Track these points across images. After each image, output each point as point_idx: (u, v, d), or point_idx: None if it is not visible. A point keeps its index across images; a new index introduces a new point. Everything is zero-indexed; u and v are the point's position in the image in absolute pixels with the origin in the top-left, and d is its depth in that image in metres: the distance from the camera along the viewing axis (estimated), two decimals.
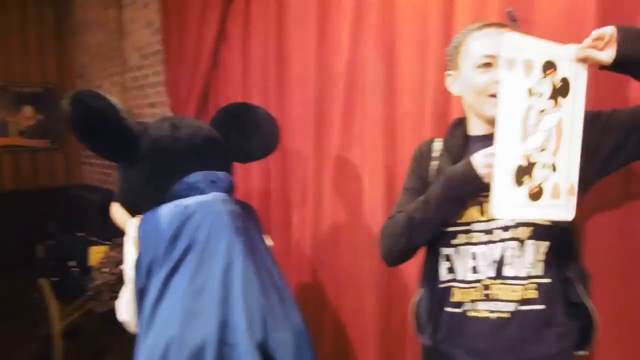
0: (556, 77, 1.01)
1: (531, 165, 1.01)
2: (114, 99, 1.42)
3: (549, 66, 1.00)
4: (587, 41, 1.01)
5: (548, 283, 1.15)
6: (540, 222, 1.13)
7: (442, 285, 1.22)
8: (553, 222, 1.12)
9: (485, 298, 1.15)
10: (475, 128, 1.23)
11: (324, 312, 2.14)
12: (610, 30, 1.00)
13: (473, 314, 1.17)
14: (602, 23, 1.11)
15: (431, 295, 1.25)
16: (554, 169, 1.03)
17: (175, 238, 1.28)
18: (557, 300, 1.16)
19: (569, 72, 1.02)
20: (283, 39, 2.17)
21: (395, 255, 1.26)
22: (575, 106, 1.03)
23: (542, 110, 1.00)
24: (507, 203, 1.00)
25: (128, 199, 1.52)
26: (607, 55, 1.01)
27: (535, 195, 1.02)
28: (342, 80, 1.93)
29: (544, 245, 1.15)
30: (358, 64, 1.89)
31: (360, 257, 1.94)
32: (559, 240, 1.16)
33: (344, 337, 2.08)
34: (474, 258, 1.17)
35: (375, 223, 1.85)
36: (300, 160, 2.16)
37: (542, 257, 1.15)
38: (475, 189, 1.11)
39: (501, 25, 1.17)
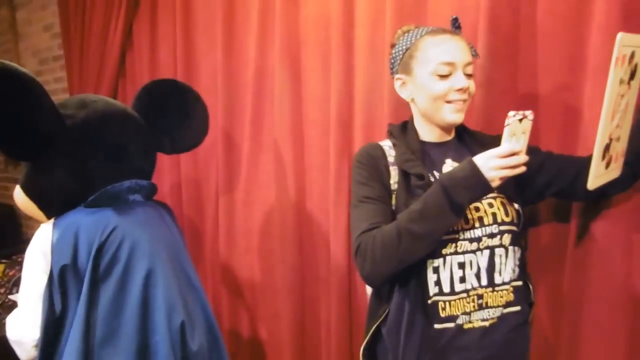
0: (633, 64, 1.03)
1: (611, 141, 1.05)
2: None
3: (632, 55, 1.02)
4: None
5: (520, 285, 1.17)
6: (512, 228, 1.15)
7: (430, 301, 1.12)
8: (519, 226, 1.17)
9: (478, 308, 1.12)
10: (427, 134, 1.23)
11: (240, 320, 2.15)
12: None
13: (468, 325, 1.12)
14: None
15: (414, 314, 1.12)
16: (619, 139, 1.09)
17: (97, 252, 1.20)
18: (526, 300, 1.20)
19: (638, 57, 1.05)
20: (191, 47, 2.16)
21: (386, 276, 1.10)
22: (636, 86, 1.10)
23: (623, 95, 1.04)
24: (596, 177, 1.04)
25: (37, 192, 1.31)
26: None
27: (607, 163, 1.07)
28: (250, 89, 1.95)
29: (519, 250, 1.18)
30: (265, 73, 1.92)
31: (274, 263, 1.97)
32: (523, 245, 1.21)
33: (261, 343, 2.10)
34: (460, 267, 1.12)
35: (286, 229, 1.89)
36: (211, 168, 2.16)
37: (517, 261, 1.17)
38: (483, 194, 1.04)
39: (451, 32, 1.18)
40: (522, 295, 1.18)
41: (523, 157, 1.01)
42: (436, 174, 1.18)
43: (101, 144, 1.29)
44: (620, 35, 0.96)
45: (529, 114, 0.99)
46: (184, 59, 2.16)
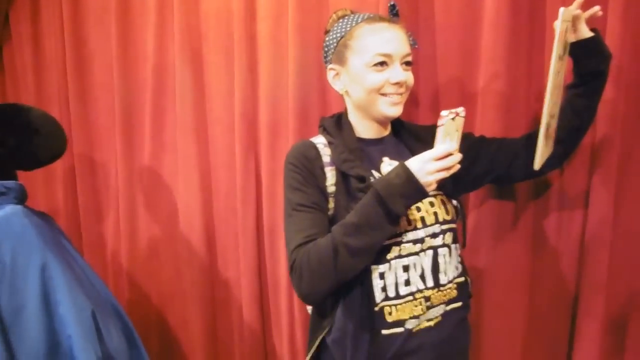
0: (565, 38, 1.05)
1: (551, 118, 1.05)
2: None
3: (566, 30, 1.04)
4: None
5: (463, 281, 1.16)
6: (453, 226, 1.14)
7: (377, 307, 1.07)
8: (456, 222, 1.17)
9: (427, 310, 1.09)
10: (364, 130, 1.17)
11: (149, 327, 2.04)
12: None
13: (417, 328, 1.08)
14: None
15: (361, 323, 1.07)
16: (554, 116, 1.09)
17: None
18: (468, 295, 1.18)
19: (568, 34, 1.08)
20: (81, 40, 1.98)
21: (325, 294, 1.04)
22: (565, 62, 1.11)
23: (559, 71, 1.04)
24: (541, 156, 1.04)
25: None
26: (586, 29, 1.09)
27: (547, 141, 1.08)
28: (149, 85, 1.84)
29: (459, 247, 1.17)
30: (165, 68, 1.82)
31: (181, 268, 1.88)
32: (462, 240, 1.21)
33: (172, 350, 2.00)
34: (405, 270, 1.07)
35: (192, 231, 1.82)
36: (109, 171, 2.02)
37: (459, 258, 1.17)
38: (419, 200, 1.00)
39: (388, 20, 1.12)
40: (464, 290, 1.17)
41: (458, 156, 0.98)
42: (375, 173, 1.12)
43: None
44: (562, 10, 0.98)
45: (461, 110, 0.96)
46: (73, 52, 1.98)
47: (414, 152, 1.09)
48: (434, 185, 0.98)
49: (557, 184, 1.36)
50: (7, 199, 1.28)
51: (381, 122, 1.17)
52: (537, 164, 1.05)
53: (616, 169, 1.26)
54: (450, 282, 1.12)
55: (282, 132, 1.61)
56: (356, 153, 1.11)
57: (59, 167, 2.07)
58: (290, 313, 1.67)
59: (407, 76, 1.10)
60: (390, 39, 1.08)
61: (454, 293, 1.13)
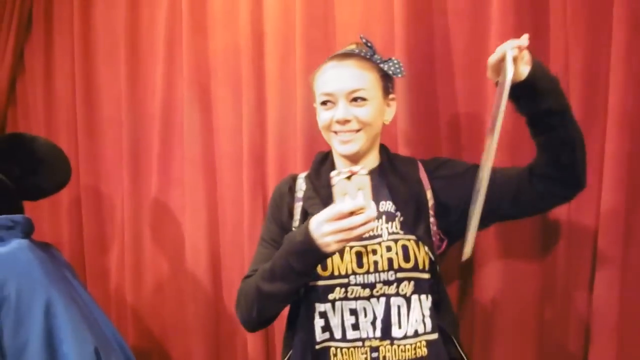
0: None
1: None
2: None
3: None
4: (515, 42, 0.94)
5: (435, 339, 1.07)
6: (414, 275, 1.07)
7: (319, 346, 1.07)
8: (431, 272, 1.07)
9: None
10: (341, 164, 1.16)
11: None
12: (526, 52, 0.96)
13: None
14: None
15: (308, 357, 1.07)
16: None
17: None
18: (444, 354, 1.08)
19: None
20: (91, 76, 2.02)
21: (254, 325, 1.11)
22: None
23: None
24: (471, 244, 0.97)
25: None
26: (525, 69, 0.96)
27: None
28: (157, 121, 1.86)
29: (428, 300, 1.08)
30: (173, 104, 1.85)
31: (185, 302, 1.87)
32: (438, 292, 1.10)
33: None
34: (352, 314, 1.06)
35: (198, 266, 1.81)
36: (115, 205, 2.02)
37: (427, 312, 1.07)
38: (319, 261, 1.00)
39: (342, 56, 1.12)
40: (441, 350, 1.06)
41: (364, 216, 0.91)
42: None
43: None
44: (509, 54, 0.90)
45: (359, 168, 0.93)
46: (83, 87, 2.02)
47: (391, 190, 1.11)
48: (335, 247, 0.94)
49: (565, 226, 1.36)
50: (14, 233, 1.28)
51: (349, 158, 1.15)
52: (467, 253, 0.98)
53: (624, 210, 1.26)
54: (409, 337, 1.04)
55: (290, 169, 1.62)
56: (324, 190, 1.10)
57: (65, 198, 2.08)
58: None
59: (353, 113, 1.09)
60: (333, 78, 1.10)
61: (423, 351, 1.05)
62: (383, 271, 1.05)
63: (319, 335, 1.07)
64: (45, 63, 2.16)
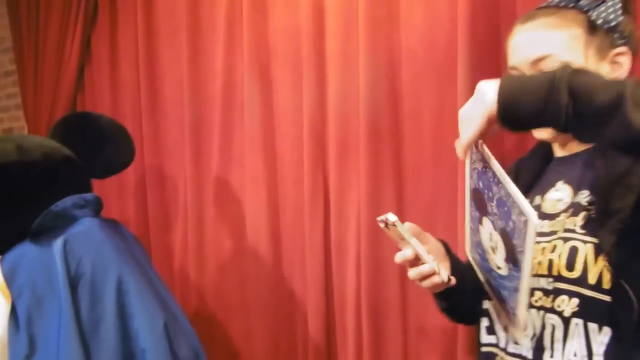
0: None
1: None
2: None
3: None
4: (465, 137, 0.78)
5: None
6: (592, 295, 0.78)
7: (484, 349, 0.92)
8: (609, 293, 0.77)
9: None
10: (555, 150, 0.96)
11: (212, 339, 2.06)
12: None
13: None
14: None
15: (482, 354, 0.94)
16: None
17: (58, 276, 1.18)
18: None
19: None
20: (154, 60, 2.08)
21: None
22: None
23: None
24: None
25: None
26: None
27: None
28: (218, 101, 1.89)
29: (602, 332, 0.77)
30: (234, 84, 1.86)
31: (246, 281, 1.90)
32: (628, 328, 0.76)
33: None
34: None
35: (259, 245, 1.83)
36: (178, 184, 2.08)
37: (599, 348, 0.77)
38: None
39: (529, 15, 0.91)
40: None
41: (422, 269, 0.82)
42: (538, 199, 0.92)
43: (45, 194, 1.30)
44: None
45: (389, 217, 0.80)
46: (146, 71, 2.08)
47: (595, 179, 0.83)
48: None
49: None
50: (86, 212, 1.32)
51: (551, 142, 0.97)
52: (521, 334, 0.81)
53: None
54: None
55: (351, 149, 1.60)
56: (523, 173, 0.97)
57: (131, 177, 2.16)
58: (357, 331, 1.64)
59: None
60: (515, 47, 0.93)
61: None
62: (542, 275, 0.83)
63: (484, 337, 0.94)
64: (110, 50, 2.24)
